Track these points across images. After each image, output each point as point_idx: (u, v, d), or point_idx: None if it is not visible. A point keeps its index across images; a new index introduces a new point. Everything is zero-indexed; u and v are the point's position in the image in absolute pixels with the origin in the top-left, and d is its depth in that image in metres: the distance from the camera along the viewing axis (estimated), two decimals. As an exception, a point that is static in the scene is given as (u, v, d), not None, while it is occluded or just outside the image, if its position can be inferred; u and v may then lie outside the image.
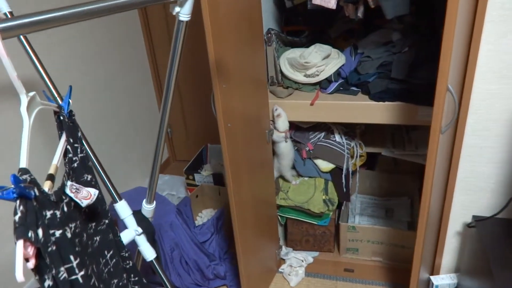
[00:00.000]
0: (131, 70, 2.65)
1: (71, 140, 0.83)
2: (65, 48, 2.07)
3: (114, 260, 0.92)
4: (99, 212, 0.88)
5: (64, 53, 2.06)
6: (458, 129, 1.54)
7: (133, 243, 1.23)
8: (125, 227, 1.19)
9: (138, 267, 1.34)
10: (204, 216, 2.43)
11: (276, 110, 1.78)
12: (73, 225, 0.76)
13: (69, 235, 0.73)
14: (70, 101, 0.90)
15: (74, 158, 0.82)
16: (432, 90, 1.57)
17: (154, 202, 1.24)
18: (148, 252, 1.23)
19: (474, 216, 1.63)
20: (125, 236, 1.18)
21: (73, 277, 0.72)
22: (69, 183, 0.77)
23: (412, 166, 2.14)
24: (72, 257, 0.71)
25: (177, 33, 0.96)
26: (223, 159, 1.49)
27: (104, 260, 0.88)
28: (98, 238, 0.88)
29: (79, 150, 0.86)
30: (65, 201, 0.76)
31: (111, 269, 0.90)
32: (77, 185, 0.77)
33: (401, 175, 2.26)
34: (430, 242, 1.68)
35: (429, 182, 1.31)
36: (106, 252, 0.90)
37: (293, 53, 1.87)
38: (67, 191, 0.76)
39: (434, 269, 1.86)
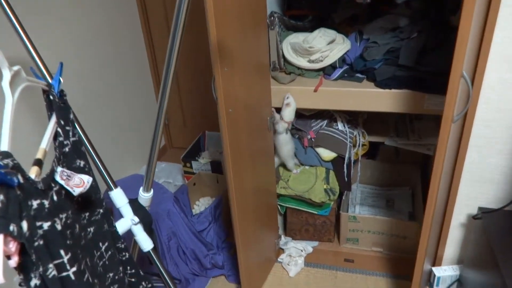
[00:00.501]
0: (127, 53, 2.57)
1: (62, 122, 0.77)
2: (58, 30, 1.99)
3: (110, 252, 0.86)
4: (92, 201, 0.81)
5: (57, 35, 1.98)
6: (467, 118, 1.49)
7: (130, 233, 1.18)
8: (121, 216, 1.14)
9: (134, 257, 1.29)
10: (201, 204, 2.38)
11: (287, 98, 1.72)
12: (64, 215, 0.70)
13: (59, 227, 0.67)
14: (61, 79, 0.83)
15: (65, 142, 0.76)
16: (441, 77, 1.53)
17: (152, 190, 1.19)
18: (145, 243, 1.18)
19: (480, 208, 1.60)
20: (121, 226, 1.13)
21: (64, 273, 0.66)
22: (59, 169, 0.71)
23: (413, 155, 2.11)
24: (62, 252, 0.65)
25: (179, 6, 0.89)
26: (223, 146, 1.44)
27: (98, 253, 0.83)
28: (92, 229, 0.82)
29: (71, 133, 0.79)
30: (55, 189, 0.70)
31: (107, 262, 0.84)
32: (69, 172, 0.71)
33: (402, 165, 2.23)
34: (433, 233, 1.64)
35: (438, 172, 1.26)
36: (101, 244, 0.84)
37: (297, 38, 1.81)
38: (57, 178, 0.70)
39: (436, 260, 1.82)
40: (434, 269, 1.78)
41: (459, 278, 1.77)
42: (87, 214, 0.81)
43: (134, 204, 1.19)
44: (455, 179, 1.62)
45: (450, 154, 1.44)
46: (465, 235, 1.74)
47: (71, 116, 0.81)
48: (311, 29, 1.87)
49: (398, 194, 2.24)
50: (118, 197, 1.16)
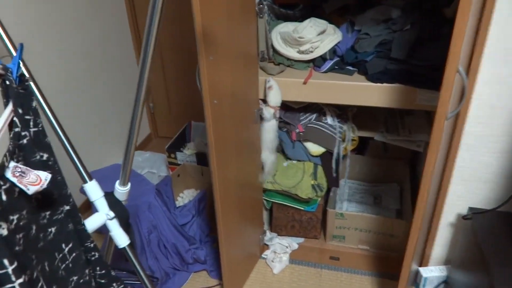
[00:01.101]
0: (110, 36, 2.47)
1: (20, 111, 0.69)
2: (35, 10, 1.89)
3: (74, 254, 0.79)
4: (55, 198, 0.74)
5: (33, 15, 1.88)
6: (459, 114, 1.45)
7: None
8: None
9: (110, 253, 1.22)
10: (185, 196, 2.32)
11: (268, 81, 1.65)
12: (15, 216, 0.62)
13: (4, 232, 0.59)
14: (21, 62, 0.75)
15: (23, 133, 0.68)
16: (434, 72, 1.48)
17: (129, 184, 1.12)
18: (121, 238, 1.12)
19: (470, 208, 1.56)
20: (95, 221, 1.06)
21: (8, 286, 0.58)
22: (12, 164, 0.63)
23: (403, 151, 2.06)
24: (6, 262, 0.57)
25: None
26: (207, 138, 1.37)
27: (60, 255, 0.76)
28: (53, 229, 0.75)
29: (31, 123, 0.72)
30: (4, 187, 0.62)
31: (70, 265, 0.78)
32: (23, 167, 0.64)
33: (391, 161, 2.19)
34: (421, 233, 1.60)
35: (429, 170, 1.21)
36: (63, 246, 0.77)
37: (286, 27, 1.74)
38: (8, 175, 0.62)
39: (423, 260, 1.79)
40: (421, 269, 1.74)
41: (446, 279, 1.74)
42: (48, 212, 0.74)
43: (110, 198, 1.12)
44: (445, 177, 1.57)
45: (441, 152, 1.40)
46: (453, 235, 1.70)
47: (34, 103, 0.74)
48: (301, 18, 1.80)
49: (386, 190, 2.21)
50: (93, 190, 1.09)
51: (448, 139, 1.49)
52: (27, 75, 0.75)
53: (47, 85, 1.99)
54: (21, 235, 0.63)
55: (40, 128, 0.74)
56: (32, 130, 0.71)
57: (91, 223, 1.06)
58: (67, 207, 0.80)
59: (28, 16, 1.84)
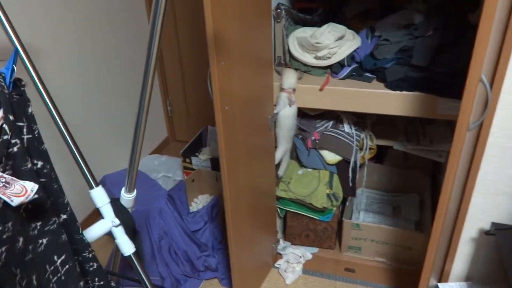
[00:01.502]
0: (129, 40, 2.48)
1: (11, 118, 0.66)
2: (51, 15, 1.90)
3: (67, 266, 0.76)
4: (47, 208, 0.72)
5: (50, 20, 1.89)
6: (483, 125, 1.38)
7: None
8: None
9: (118, 261, 1.20)
10: (199, 202, 2.29)
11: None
12: None
13: None
14: (15, 67, 0.73)
15: (13, 141, 0.66)
16: (457, 80, 1.42)
17: (135, 191, 1.10)
18: (126, 246, 1.10)
19: (493, 223, 1.48)
20: (100, 227, 1.05)
21: None
22: None
23: (423, 161, 1.99)
24: None
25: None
26: (218, 144, 1.34)
27: (52, 268, 0.73)
28: (44, 240, 0.72)
29: (25, 130, 0.69)
30: None
31: (62, 277, 0.75)
32: (8, 177, 0.61)
33: (411, 170, 2.12)
34: (441, 247, 1.53)
35: (449, 183, 1.15)
36: (55, 258, 0.74)
37: (304, 32, 1.70)
38: None
39: (442, 276, 1.71)
40: (440, 285, 1.67)
41: (466, 296, 1.66)
42: (39, 223, 0.71)
43: (116, 204, 1.10)
44: (467, 190, 1.50)
45: (463, 163, 1.33)
46: (475, 251, 1.62)
47: (30, 109, 0.72)
48: (320, 23, 1.76)
49: (405, 201, 2.13)
50: (99, 196, 1.07)
51: (471, 150, 1.42)
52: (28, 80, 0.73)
53: (64, 89, 2.01)
54: (3, 248, 0.61)
55: (36, 135, 0.72)
56: (25, 137, 0.69)
57: (96, 230, 1.04)
58: (64, 216, 0.78)
59: (44, 21, 1.85)
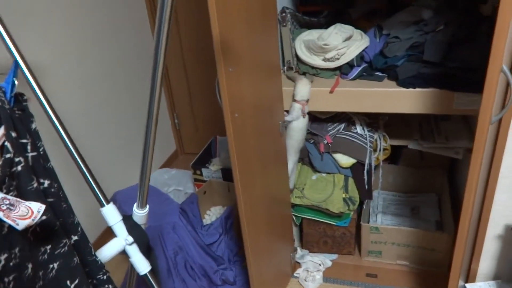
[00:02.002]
0: (133, 55, 2.46)
1: (14, 134, 0.63)
2: (55, 33, 1.89)
3: (81, 290, 0.72)
4: (56, 230, 0.68)
5: (54, 37, 1.88)
6: (503, 117, 1.33)
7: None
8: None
9: (133, 281, 1.16)
10: (212, 214, 2.25)
11: (301, 77, 1.56)
12: (3, 257, 0.56)
13: None
14: (16, 81, 0.70)
15: (17, 159, 0.62)
16: (471, 73, 1.38)
17: (147, 206, 1.06)
18: (141, 265, 1.06)
19: (520, 219, 1.42)
20: (113, 247, 1.01)
21: None
22: (0, 195, 0.57)
23: (439, 159, 1.95)
24: None
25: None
26: (230, 153, 1.31)
27: (65, 293, 0.70)
28: (55, 265, 0.68)
29: (29, 147, 0.66)
30: None
31: (77, 303, 0.71)
32: (12, 199, 0.57)
33: (427, 170, 2.07)
34: (467, 246, 1.48)
35: (474, 180, 1.11)
36: (68, 283, 0.70)
37: (310, 35, 1.67)
38: None
39: (469, 276, 1.65)
40: (468, 286, 1.61)
41: (495, 296, 1.60)
42: (48, 247, 0.67)
43: (129, 221, 1.06)
44: (490, 186, 1.45)
45: (485, 159, 1.28)
46: (502, 248, 1.57)
47: (34, 125, 0.68)
48: (326, 25, 1.73)
49: (423, 201, 2.08)
50: (110, 214, 1.03)
51: (492, 145, 1.37)
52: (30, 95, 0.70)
53: (70, 106, 1.99)
54: (11, 277, 0.57)
55: (41, 152, 0.69)
56: (30, 155, 0.66)
57: (109, 250, 1.00)
58: (75, 237, 0.74)
59: (49, 38, 1.84)
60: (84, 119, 2.08)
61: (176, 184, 2.61)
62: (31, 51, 1.76)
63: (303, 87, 1.56)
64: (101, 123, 2.21)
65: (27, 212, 0.57)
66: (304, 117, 1.62)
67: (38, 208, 0.58)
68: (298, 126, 1.64)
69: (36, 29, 1.77)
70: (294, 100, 1.59)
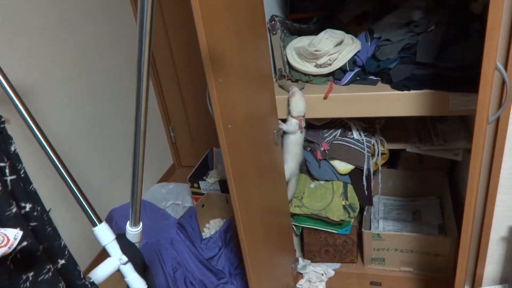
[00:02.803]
0: (125, 71, 2.44)
1: None
2: (45, 51, 1.87)
3: (67, 317, 0.69)
4: (39, 256, 0.64)
5: (44, 56, 1.86)
6: (501, 116, 1.30)
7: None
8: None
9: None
10: (211, 227, 2.22)
11: (291, 89, 1.54)
12: None
13: None
14: None
15: None
16: (466, 73, 1.35)
17: (141, 224, 1.03)
18: (137, 284, 1.03)
19: (524, 220, 1.39)
20: (107, 267, 0.98)
21: None
22: None
23: (438, 161, 1.93)
24: None
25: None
26: (224, 165, 1.28)
27: (49, 321, 0.66)
28: (39, 292, 0.65)
29: (7, 170, 0.63)
30: None
31: (65, 332, 0.68)
32: None
33: (427, 172, 2.04)
34: (471, 250, 1.44)
35: (474, 182, 1.08)
36: (53, 310, 0.67)
37: (301, 42, 1.65)
38: None
39: (475, 281, 1.62)
40: (473, 290, 1.57)
41: (503, 299, 1.56)
42: (31, 274, 0.64)
43: (122, 240, 1.03)
44: (491, 187, 1.42)
45: (484, 159, 1.26)
46: (507, 251, 1.53)
47: (13, 147, 0.65)
48: (317, 31, 1.71)
49: (424, 205, 2.05)
50: (103, 233, 1.00)
51: (491, 145, 1.35)
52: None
53: (65, 124, 1.96)
54: None
55: (22, 175, 0.66)
56: (8, 178, 0.63)
57: (103, 270, 0.97)
58: (62, 261, 0.71)
59: (38, 57, 1.82)
60: (79, 137, 2.06)
61: (174, 198, 2.58)
62: (20, 70, 1.74)
63: (298, 102, 1.54)
64: (96, 140, 2.19)
65: (3, 240, 0.54)
66: (302, 132, 1.61)
67: (15, 235, 0.55)
68: (296, 140, 1.63)
69: (26, 48, 1.75)
70: (291, 116, 1.57)
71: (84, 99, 2.10)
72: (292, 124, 1.58)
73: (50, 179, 1.76)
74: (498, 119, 1.31)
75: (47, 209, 1.69)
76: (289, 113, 1.57)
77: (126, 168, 2.42)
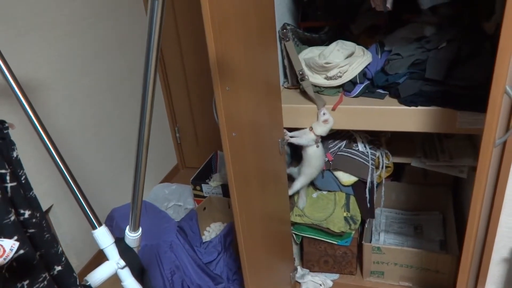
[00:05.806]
0: (133, 67, 2.45)
1: None
2: (57, 48, 1.88)
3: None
4: (35, 265, 0.64)
5: (55, 53, 1.87)
6: (508, 140, 1.29)
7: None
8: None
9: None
10: (212, 230, 2.22)
11: (324, 114, 1.53)
12: None
13: None
14: None
15: None
16: (476, 92, 1.34)
17: (140, 229, 1.03)
18: (134, 289, 1.03)
19: (526, 243, 1.38)
20: (104, 270, 0.98)
21: None
22: None
23: (443, 177, 1.90)
24: None
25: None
26: (227, 172, 1.28)
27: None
28: (35, 299, 0.65)
29: (8, 177, 0.63)
30: None
31: None
32: None
33: (431, 187, 2.03)
34: (472, 269, 1.43)
35: (477, 204, 1.07)
36: (50, 317, 0.67)
37: (311, 53, 1.65)
38: None
39: (474, 301, 1.60)
40: (472, 310, 1.56)
41: (501, 321, 1.55)
42: (26, 282, 0.64)
43: (121, 244, 1.04)
44: (495, 208, 1.41)
45: (489, 180, 1.25)
46: (509, 272, 1.52)
47: (14, 153, 0.65)
48: (328, 41, 1.71)
49: (427, 220, 2.04)
50: (102, 236, 1.01)
51: (497, 167, 1.34)
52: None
53: (71, 121, 1.97)
54: None
55: (23, 181, 0.66)
56: (9, 185, 0.63)
57: (100, 273, 0.98)
58: (59, 268, 0.71)
59: (50, 53, 1.83)
60: (85, 134, 2.07)
61: (176, 199, 2.58)
62: (30, 65, 1.75)
63: (327, 127, 1.55)
64: (102, 138, 2.20)
65: (-2, 250, 0.54)
66: (317, 146, 1.61)
67: (11, 246, 0.55)
68: (316, 153, 1.63)
69: (37, 44, 1.76)
70: (311, 129, 1.57)
71: (92, 97, 2.11)
72: (308, 139, 1.58)
73: (54, 175, 1.77)
74: (504, 143, 1.30)
75: (49, 205, 1.69)
76: (310, 128, 1.58)
77: (130, 166, 2.42)
